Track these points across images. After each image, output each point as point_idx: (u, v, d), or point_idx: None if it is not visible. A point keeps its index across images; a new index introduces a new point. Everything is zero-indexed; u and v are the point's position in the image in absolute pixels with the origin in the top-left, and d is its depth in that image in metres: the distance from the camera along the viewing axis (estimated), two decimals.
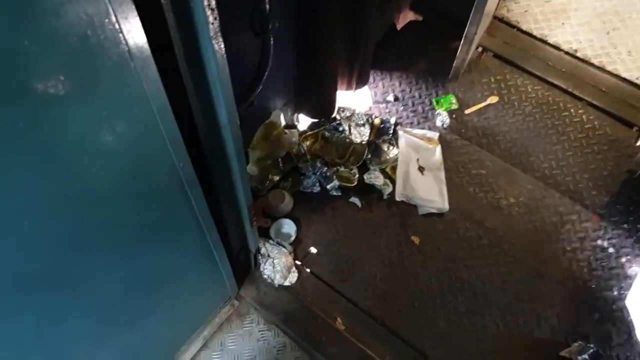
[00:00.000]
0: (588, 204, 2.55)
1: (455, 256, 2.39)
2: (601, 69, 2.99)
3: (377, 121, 2.71)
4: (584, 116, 2.86)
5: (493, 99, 2.90)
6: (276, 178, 2.50)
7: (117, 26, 0.90)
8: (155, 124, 1.15)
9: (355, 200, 2.50)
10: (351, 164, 2.55)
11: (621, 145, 2.76)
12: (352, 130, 2.65)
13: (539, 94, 2.93)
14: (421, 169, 2.58)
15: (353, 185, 2.52)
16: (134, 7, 0.91)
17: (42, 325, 1.23)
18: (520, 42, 3.11)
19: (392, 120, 2.72)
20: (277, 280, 2.26)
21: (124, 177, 1.19)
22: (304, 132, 2.62)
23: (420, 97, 2.91)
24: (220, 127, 1.44)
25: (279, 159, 2.49)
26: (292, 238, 2.39)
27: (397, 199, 2.49)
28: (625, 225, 2.49)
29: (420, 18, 3.09)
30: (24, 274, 1.07)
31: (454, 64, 2.89)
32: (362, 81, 2.74)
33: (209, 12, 1.11)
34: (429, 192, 2.51)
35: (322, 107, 2.63)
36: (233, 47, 1.32)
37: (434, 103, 2.87)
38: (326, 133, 2.62)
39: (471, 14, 2.58)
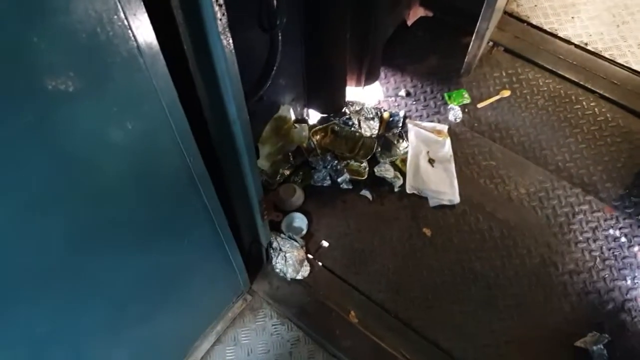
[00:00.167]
0: (603, 196, 2.54)
1: (467, 248, 2.39)
2: (612, 61, 2.98)
3: (386, 115, 2.72)
4: (596, 109, 2.84)
5: (505, 93, 2.90)
6: (287, 172, 2.52)
7: (125, 23, 0.91)
8: (166, 119, 1.16)
9: (366, 193, 2.51)
10: (361, 157, 2.56)
11: (634, 137, 2.74)
12: (362, 124, 2.66)
13: (550, 87, 2.92)
14: (431, 161, 2.58)
15: (363, 178, 2.53)
16: (142, 3, 0.92)
17: (55, 321, 1.24)
18: (530, 36, 3.11)
19: (401, 114, 2.73)
20: (290, 274, 2.27)
21: (135, 172, 1.20)
22: (314, 126, 2.63)
23: (432, 92, 2.91)
24: (229, 121, 1.45)
25: (290, 153, 2.51)
26: (304, 232, 2.40)
27: (408, 191, 2.49)
28: None
29: (430, 14, 3.10)
30: (36, 269, 1.08)
31: (465, 59, 2.90)
32: (371, 77, 2.75)
33: (217, 8, 1.13)
34: (440, 184, 2.52)
35: (331, 103, 2.65)
36: (241, 42, 1.33)
37: (446, 98, 2.87)
38: (336, 127, 2.64)
39: (482, 9, 2.59)
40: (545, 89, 2.92)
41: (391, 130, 2.68)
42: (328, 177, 2.52)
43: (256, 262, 2.28)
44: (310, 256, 2.35)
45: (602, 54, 3.00)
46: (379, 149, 2.60)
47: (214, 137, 1.54)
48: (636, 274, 2.31)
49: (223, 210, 1.63)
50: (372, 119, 2.69)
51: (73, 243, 1.13)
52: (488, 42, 3.04)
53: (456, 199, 2.49)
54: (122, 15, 0.89)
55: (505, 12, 3.16)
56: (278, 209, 2.45)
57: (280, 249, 2.28)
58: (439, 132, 2.67)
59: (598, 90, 2.89)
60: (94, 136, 1.02)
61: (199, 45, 1.23)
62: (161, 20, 1.02)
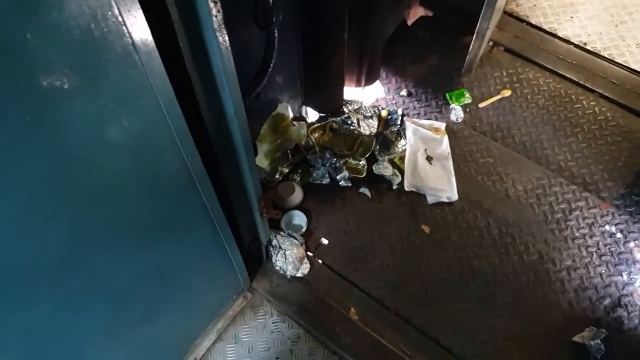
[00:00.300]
0: (604, 195, 2.55)
1: (466, 244, 2.40)
2: (611, 61, 2.99)
3: (384, 113, 2.74)
4: (596, 108, 2.85)
5: (506, 93, 2.92)
6: (286, 170, 2.54)
7: (120, 19, 0.91)
8: (162, 117, 1.16)
9: (364, 190, 2.53)
10: (360, 155, 2.58)
11: (634, 136, 2.75)
12: (360, 122, 2.68)
13: (551, 87, 2.94)
14: (429, 159, 2.60)
15: (362, 176, 2.55)
16: (137, 0, 0.93)
17: (55, 320, 1.25)
18: (530, 36, 3.13)
19: (399, 112, 2.75)
20: (290, 271, 2.29)
21: (133, 171, 1.20)
22: (312, 124, 2.65)
23: (433, 92, 2.93)
24: (227, 119, 1.45)
25: (288, 151, 2.53)
26: (303, 229, 2.42)
27: (406, 188, 2.51)
28: None
29: (430, 13, 3.12)
30: (36, 268, 1.08)
31: (466, 59, 2.91)
32: (371, 78, 2.77)
33: (212, 5, 1.13)
34: (438, 181, 2.53)
35: (329, 103, 2.67)
36: (238, 40, 1.34)
37: (448, 98, 2.89)
38: (334, 125, 2.66)
39: (483, 9, 2.61)
40: (546, 88, 2.93)
41: (389, 128, 2.70)
42: (327, 175, 2.53)
43: (256, 260, 2.30)
44: (310, 254, 2.37)
45: (601, 54, 3.01)
46: (378, 147, 2.62)
47: (212, 135, 1.54)
48: (632, 270, 2.32)
49: (222, 208, 1.64)
50: (371, 117, 2.71)
51: (72, 242, 1.14)
52: (488, 42, 3.06)
53: (454, 196, 2.50)
54: (116, 11, 0.89)
55: (505, 12, 3.18)
56: (277, 207, 2.47)
57: (280, 247, 2.30)
58: (436, 130, 2.69)
59: (598, 90, 2.90)
60: (92, 134, 1.02)
61: (195, 43, 1.23)
62: (156, 17, 1.02)
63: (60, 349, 1.35)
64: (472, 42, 2.81)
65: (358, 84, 2.75)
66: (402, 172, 2.56)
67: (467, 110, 2.85)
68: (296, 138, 2.51)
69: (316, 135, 2.62)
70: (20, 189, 0.94)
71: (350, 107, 2.73)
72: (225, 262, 1.94)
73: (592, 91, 2.91)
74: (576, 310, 2.23)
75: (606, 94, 2.88)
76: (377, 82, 2.86)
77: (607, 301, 2.25)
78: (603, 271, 2.33)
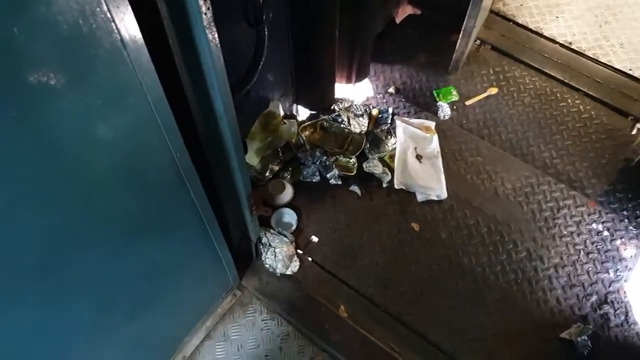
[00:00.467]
0: (589, 192, 2.59)
1: (455, 242, 2.42)
2: (595, 60, 3.04)
3: (375, 111, 2.75)
4: (581, 106, 2.90)
5: (492, 91, 2.94)
6: (276, 168, 2.53)
7: (108, 15, 0.91)
8: (151, 114, 1.16)
9: (355, 188, 2.53)
10: (350, 153, 2.58)
11: (618, 134, 2.80)
12: (351, 120, 2.68)
13: (536, 85, 2.97)
14: (419, 157, 2.61)
15: (352, 174, 2.54)
16: None
17: (41, 316, 1.23)
18: (516, 35, 3.16)
19: (390, 110, 2.75)
20: (279, 269, 2.28)
21: (120, 168, 1.19)
22: (303, 122, 2.65)
23: (421, 89, 2.95)
24: (216, 116, 1.45)
25: (279, 149, 2.52)
26: (293, 227, 2.41)
27: (396, 186, 2.52)
28: (625, 212, 2.52)
29: (418, 12, 3.14)
30: (21, 264, 1.07)
31: (453, 57, 2.94)
32: (361, 74, 2.78)
33: (202, 2, 1.13)
34: (427, 179, 2.54)
35: (320, 100, 2.67)
36: (227, 37, 1.34)
37: (435, 95, 2.91)
38: (325, 123, 2.66)
39: (469, 8, 2.63)
40: (532, 86, 2.97)
41: (380, 126, 2.70)
42: (317, 173, 2.53)
43: (246, 257, 2.29)
44: (299, 251, 2.36)
45: (586, 53, 3.06)
46: (368, 145, 2.62)
47: (201, 133, 1.53)
48: (618, 267, 2.36)
49: (211, 206, 1.63)
50: (361, 115, 2.71)
51: (58, 239, 1.13)
52: (475, 40, 3.08)
53: (444, 194, 2.52)
54: (104, 7, 0.89)
55: (491, 11, 3.20)
56: (267, 204, 2.45)
57: (270, 245, 2.29)
58: (426, 129, 2.70)
59: (582, 89, 2.94)
60: (79, 130, 1.01)
61: (184, 40, 1.23)
62: (146, 14, 1.02)
63: (46, 347, 1.33)
64: (459, 40, 2.83)
65: (348, 80, 2.75)
66: (392, 171, 2.56)
67: (454, 107, 2.87)
68: (287, 136, 2.50)
69: (307, 133, 2.61)
70: (4, 185, 0.93)
71: (340, 105, 2.72)
72: (214, 260, 1.93)
73: (577, 90, 2.95)
74: (563, 307, 2.26)
75: (591, 93, 2.93)
76: (366, 79, 2.86)
77: (594, 298, 2.29)
78: (590, 268, 2.36)
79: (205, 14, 1.15)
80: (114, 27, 0.93)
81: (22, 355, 1.26)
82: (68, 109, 0.95)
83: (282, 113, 2.48)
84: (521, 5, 3.27)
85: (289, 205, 2.47)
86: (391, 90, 2.91)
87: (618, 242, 2.43)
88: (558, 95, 2.94)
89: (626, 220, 2.49)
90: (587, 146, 2.75)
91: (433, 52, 3.09)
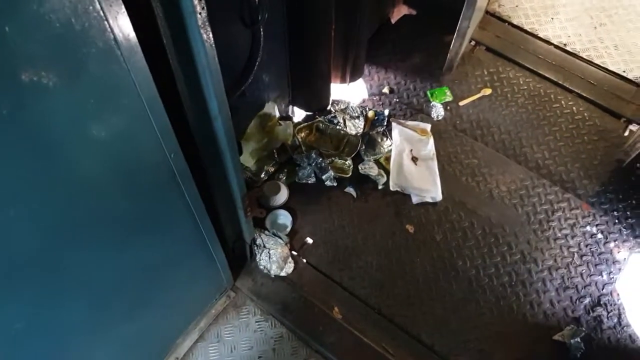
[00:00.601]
0: (580, 193, 2.60)
1: (450, 244, 2.42)
2: (589, 62, 3.05)
3: (371, 113, 2.74)
4: (574, 108, 2.91)
5: (486, 91, 2.95)
6: (271, 169, 2.52)
7: (102, 14, 0.90)
8: (145, 113, 1.15)
9: (350, 190, 2.53)
10: (346, 155, 2.58)
11: (610, 136, 2.81)
12: (347, 122, 2.68)
13: (530, 86, 2.98)
14: (414, 160, 2.61)
15: (348, 176, 2.54)
16: None
17: (33, 316, 1.22)
18: (511, 36, 3.17)
19: (386, 112, 2.75)
20: (274, 270, 2.27)
21: (113, 167, 1.18)
22: (299, 123, 2.63)
23: (415, 89, 2.94)
24: (211, 117, 1.44)
25: (274, 151, 2.51)
26: (288, 229, 2.40)
27: (392, 189, 2.52)
28: (615, 213, 2.54)
29: (414, 12, 3.13)
30: (13, 263, 1.06)
31: (447, 57, 2.94)
32: (356, 74, 2.77)
33: (196, 2, 1.12)
34: (422, 181, 2.55)
35: (316, 100, 2.65)
36: (223, 37, 1.32)
37: (429, 95, 2.91)
38: (321, 125, 2.65)
39: (464, 9, 2.63)
40: (526, 87, 2.98)
41: (375, 128, 2.70)
42: (313, 175, 2.52)
43: (240, 259, 2.28)
44: (294, 253, 2.36)
45: (580, 55, 3.07)
46: (364, 147, 2.62)
47: (196, 133, 1.52)
48: (611, 269, 2.38)
49: (206, 207, 1.62)
50: (357, 117, 2.71)
51: (50, 238, 1.12)
52: (470, 41, 3.08)
53: (439, 197, 2.52)
54: (97, 6, 0.89)
55: (487, 12, 3.21)
56: (262, 206, 2.44)
57: (265, 246, 2.28)
58: (422, 131, 2.70)
59: (576, 90, 2.95)
60: (71, 130, 1.01)
61: (179, 39, 1.22)
62: (140, 13, 1.01)
63: (38, 347, 1.32)
64: (453, 41, 2.83)
65: (343, 80, 2.74)
66: (387, 172, 2.56)
67: (448, 107, 2.87)
68: (282, 137, 2.49)
69: (302, 134, 2.60)
70: None
71: (337, 107, 2.72)
72: (208, 261, 1.93)
73: (571, 91, 2.97)
74: (557, 310, 2.28)
75: (584, 94, 2.94)
76: (361, 79, 2.85)
77: (587, 300, 2.31)
78: (583, 271, 2.38)
79: (200, 13, 1.14)
80: (107, 26, 0.93)
81: (14, 355, 1.25)
82: (60, 108, 0.95)
83: (277, 114, 2.47)
84: (516, 6, 3.27)
85: (284, 206, 2.46)
86: (385, 90, 2.90)
87: (612, 244, 2.45)
88: (552, 96, 2.95)
89: (618, 222, 2.51)
90: (579, 147, 2.77)
91: (428, 52, 3.08)
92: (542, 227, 2.49)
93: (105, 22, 0.92)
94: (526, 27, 3.18)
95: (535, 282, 2.34)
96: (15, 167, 0.93)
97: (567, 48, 3.09)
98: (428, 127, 2.74)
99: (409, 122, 2.75)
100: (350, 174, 2.55)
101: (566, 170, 2.68)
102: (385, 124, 2.72)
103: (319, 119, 2.65)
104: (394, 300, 2.28)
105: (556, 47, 3.11)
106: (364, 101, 2.86)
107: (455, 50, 2.87)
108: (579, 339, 2.16)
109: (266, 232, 2.34)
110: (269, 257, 2.27)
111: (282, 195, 2.45)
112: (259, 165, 2.46)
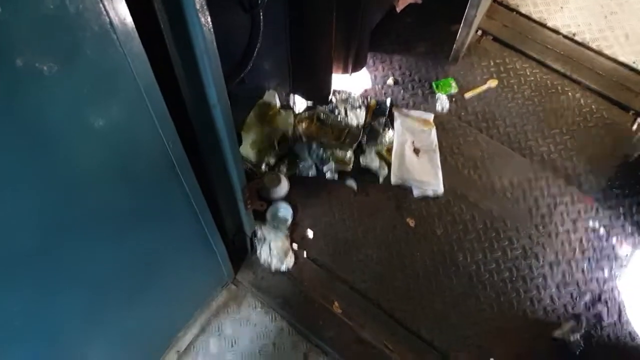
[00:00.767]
0: (586, 187, 2.57)
1: (450, 238, 2.41)
2: (599, 52, 3.00)
3: (372, 103, 2.71)
4: (581, 100, 2.86)
5: (493, 83, 2.90)
6: (272, 161, 2.50)
7: None
8: (142, 101, 1.13)
9: (351, 183, 2.51)
10: (347, 146, 2.55)
11: (617, 129, 2.77)
12: (348, 112, 2.65)
13: (537, 78, 2.93)
14: (416, 151, 2.58)
15: (349, 168, 2.52)
16: None
17: (32, 309, 1.22)
18: (519, 25, 3.11)
19: (388, 102, 2.72)
20: (274, 264, 2.27)
21: (111, 156, 1.16)
22: (300, 113, 2.61)
23: (420, 80, 2.91)
24: (209, 105, 1.42)
25: (275, 142, 2.49)
26: (289, 222, 2.40)
27: (393, 182, 2.50)
28: (621, 209, 2.51)
29: (419, 1, 3.07)
30: (10, 254, 1.06)
31: (453, 47, 2.89)
32: (358, 64, 2.73)
33: None
34: (424, 174, 2.53)
35: (317, 89, 2.62)
36: (221, 22, 1.30)
37: (434, 87, 2.87)
38: (322, 115, 2.62)
39: None
40: (532, 79, 2.93)
41: (377, 118, 2.67)
42: (313, 167, 2.51)
43: (240, 251, 2.28)
44: (295, 246, 2.35)
45: (590, 45, 3.01)
46: (365, 138, 2.59)
47: (194, 122, 1.50)
48: (613, 266, 2.37)
49: (205, 199, 1.61)
50: (359, 107, 2.67)
51: (47, 229, 1.11)
52: (477, 31, 3.03)
53: (440, 190, 2.50)
54: None
55: (494, 1, 3.14)
56: (262, 198, 2.43)
57: (265, 239, 2.28)
58: (425, 122, 2.67)
59: (584, 81, 2.91)
60: (66, 117, 0.99)
61: (176, 24, 1.20)
62: None
63: (37, 338, 1.32)
64: (460, 30, 2.79)
65: (345, 70, 2.70)
66: (388, 165, 2.54)
67: (453, 99, 2.83)
68: (283, 127, 2.46)
69: (303, 125, 2.58)
70: None
71: (338, 97, 2.69)
72: (208, 254, 1.92)
73: (578, 83, 2.92)
74: (557, 306, 2.27)
75: (592, 86, 2.90)
76: (364, 69, 2.82)
77: (587, 297, 2.29)
78: (585, 267, 2.36)
79: None
80: (103, 9, 0.90)
81: (12, 346, 1.26)
82: (54, 94, 0.93)
83: (278, 103, 2.44)
84: None
85: (285, 199, 2.45)
86: (389, 81, 2.87)
87: (614, 240, 2.43)
88: (559, 88, 2.90)
89: (622, 218, 2.49)
90: (586, 141, 2.73)
91: (433, 42, 3.04)
92: (544, 222, 2.47)
93: (101, 5, 0.89)
94: (534, 16, 3.12)
95: (536, 277, 2.33)
96: (10, 157, 0.92)
97: (576, 38, 3.03)
98: (431, 117, 2.71)
99: (412, 112, 2.72)
100: (351, 166, 2.53)
101: (572, 164, 2.65)
102: (387, 113, 2.69)
103: (320, 109, 2.62)
104: (393, 294, 2.28)
105: (565, 37, 3.05)
106: (366, 91, 2.83)
107: (462, 40, 2.83)
108: (578, 336, 2.16)
109: (266, 224, 2.33)
110: (270, 250, 2.27)
111: (283, 188, 2.44)
112: (259, 156, 2.44)
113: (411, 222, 2.44)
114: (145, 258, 1.56)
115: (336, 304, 2.24)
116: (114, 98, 1.06)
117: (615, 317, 2.24)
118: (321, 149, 2.50)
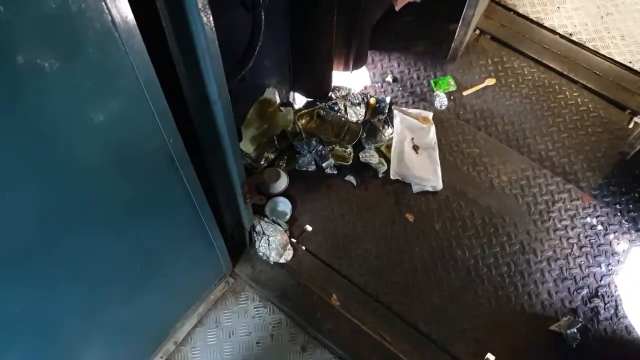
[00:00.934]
0: (583, 185, 2.59)
1: (449, 234, 2.42)
2: (595, 52, 3.02)
3: (372, 100, 2.73)
4: (578, 99, 2.88)
5: (490, 81, 2.92)
6: (272, 156, 2.51)
7: None
8: (143, 98, 1.14)
9: (350, 178, 2.52)
10: (347, 142, 2.57)
11: (614, 128, 2.79)
12: (348, 109, 2.66)
13: (535, 76, 2.96)
14: (415, 148, 2.60)
15: (348, 163, 2.54)
16: None
17: (31, 301, 1.23)
18: (516, 25, 3.13)
19: (388, 100, 2.73)
20: (273, 257, 2.28)
21: (111, 152, 1.17)
22: (299, 110, 2.63)
23: (418, 78, 2.93)
24: (210, 101, 1.42)
25: (275, 137, 2.50)
26: (288, 216, 2.41)
27: (392, 177, 2.51)
28: (618, 206, 2.53)
29: (418, 0, 3.10)
30: (11, 247, 1.06)
31: (452, 46, 2.92)
32: (359, 62, 2.75)
33: None
34: (423, 170, 2.54)
35: (317, 86, 2.64)
36: (223, 21, 1.31)
37: (432, 85, 2.89)
38: (322, 112, 2.64)
39: None
40: (530, 77, 2.95)
41: (377, 116, 2.68)
42: (313, 162, 2.52)
43: (239, 245, 2.29)
44: (293, 240, 2.36)
45: (586, 45, 3.04)
46: (365, 135, 2.61)
47: (195, 118, 1.51)
48: (610, 261, 2.38)
49: (205, 193, 1.62)
50: (359, 104, 2.69)
51: (48, 222, 1.12)
52: (475, 30, 3.06)
53: (439, 186, 2.51)
54: None
55: (492, 0, 3.17)
56: (262, 192, 2.45)
57: (264, 233, 2.28)
58: (424, 119, 2.69)
59: (581, 81, 2.93)
60: (68, 114, 1.00)
61: (178, 22, 1.21)
62: None
63: (36, 330, 1.33)
64: (458, 29, 2.81)
65: (346, 67, 2.72)
66: (388, 161, 2.55)
67: (452, 97, 2.85)
68: (283, 123, 2.48)
69: (303, 121, 2.59)
70: None
71: (338, 94, 2.71)
72: (207, 247, 1.93)
73: (575, 82, 2.94)
74: (554, 300, 2.28)
75: (589, 85, 2.92)
76: (364, 67, 2.84)
77: (584, 291, 2.31)
78: (582, 262, 2.38)
79: None
80: (105, 7, 0.91)
81: (12, 338, 1.26)
82: (56, 91, 0.94)
83: (278, 100, 2.46)
84: None
85: (284, 194, 2.46)
86: (388, 78, 2.89)
87: (611, 236, 2.45)
88: (556, 87, 2.92)
89: (619, 214, 2.50)
90: (583, 139, 2.75)
91: (432, 41, 3.06)
92: (542, 218, 2.48)
93: (103, 3, 0.90)
94: (532, 16, 3.15)
95: (534, 272, 2.34)
96: (13, 152, 0.93)
97: (573, 38, 3.06)
98: (430, 115, 2.73)
99: (411, 110, 2.74)
100: (351, 162, 2.54)
101: (569, 162, 2.67)
102: (386, 111, 2.70)
103: (320, 105, 2.63)
104: (392, 288, 2.28)
105: (562, 36, 3.08)
106: (365, 88, 2.85)
107: (460, 39, 2.85)
108: (575, 330, 2.16)
109: (265, 219, 2.34)
110: (268, 244, 2.27)
111: (282, 183, 2.45)
112: (258, 151, 2.46)
113: (410, 218, 2.45)
114: (145, 250, 1.57)
115: (334, 296, 2.24)
116: (115, 95, 1.07)
117: (612, 311, 2.25)
118: (321, 145, 2.51)
